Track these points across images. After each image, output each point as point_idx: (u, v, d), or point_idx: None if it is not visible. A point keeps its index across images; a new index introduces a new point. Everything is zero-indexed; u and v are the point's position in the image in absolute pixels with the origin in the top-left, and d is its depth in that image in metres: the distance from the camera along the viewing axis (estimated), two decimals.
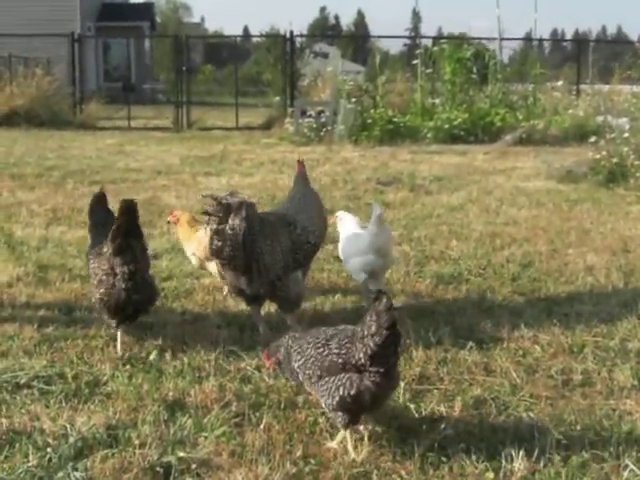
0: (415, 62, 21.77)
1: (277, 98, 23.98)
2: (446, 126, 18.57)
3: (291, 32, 24.26)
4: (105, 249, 4.38)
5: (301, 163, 5.03)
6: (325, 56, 31.81)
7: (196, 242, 5.49)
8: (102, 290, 4.35)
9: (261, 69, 42.10)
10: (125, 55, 45.12)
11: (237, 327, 4.72)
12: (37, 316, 4.93)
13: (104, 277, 4.35)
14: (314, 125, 18.82)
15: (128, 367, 4.12)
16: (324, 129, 18.65)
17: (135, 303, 4.36)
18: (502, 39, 23.58)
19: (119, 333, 4.44)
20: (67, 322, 4.82)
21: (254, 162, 14.40)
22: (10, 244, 6.77)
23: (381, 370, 3.14)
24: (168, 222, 6.07)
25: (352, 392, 3.16)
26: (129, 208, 4.26)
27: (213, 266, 5.28)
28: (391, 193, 10.51)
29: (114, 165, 13.57)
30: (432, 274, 6.13)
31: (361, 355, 3.14)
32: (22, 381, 3.86)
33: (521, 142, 17.68)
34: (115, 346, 4.39)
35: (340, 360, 3.20)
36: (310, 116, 19.27)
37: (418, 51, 21.67)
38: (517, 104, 20.55)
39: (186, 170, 12.93)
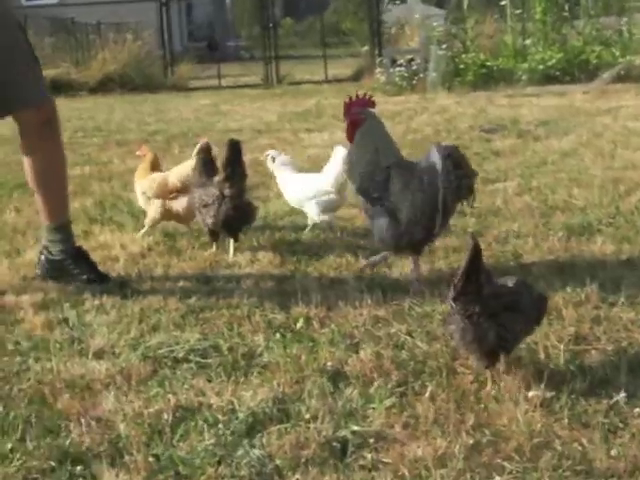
0: (503, 3, 21.37)
1: (365, 48, 23.75)
2: (540, 67, 18.16)
3: None
4: (208, 182, 5.59)
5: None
6: (404, 1, 31.41)
7: (149, 181, 6.09)
8: (212, 212, 5.46)
9: (341, 18, 41.73)
10: (207, 14, 45.22)
11: (379, 290, 4.64)
12: (177, 287, 4.93)
13: (214, 201, 5.44)
14: (406, 74, 18.58)
15: (279, 336, 4.07)
16: (416, 77, 18.43)
17: (240, 219, 5.52)
18: None
19: (231, 242, 5.60)
20: (208, 292, 4.80)
21: None
22: (133, 213, 6.80)
23: None
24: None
25: None
26: (235, 145, 5.53)
27: (156, 206, 6.04)
28: (498, 141, 10.32)
29: (214, 126, 13.59)
30: (561, 226, 5.99)
31: None
32: (180, 355, 3.86)
33: (620, 79, 17.21)
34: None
35: None
36: (401, 65, 19.01)
37: None
38: (611, 39, 19.97)
39: (286, 127, 12.89)
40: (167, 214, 6.07)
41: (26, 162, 5.05)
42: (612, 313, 4.24)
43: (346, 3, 47.87)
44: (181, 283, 5.03)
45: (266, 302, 4.56)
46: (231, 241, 5.59)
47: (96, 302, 4.71)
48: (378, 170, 4.78)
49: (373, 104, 5.08)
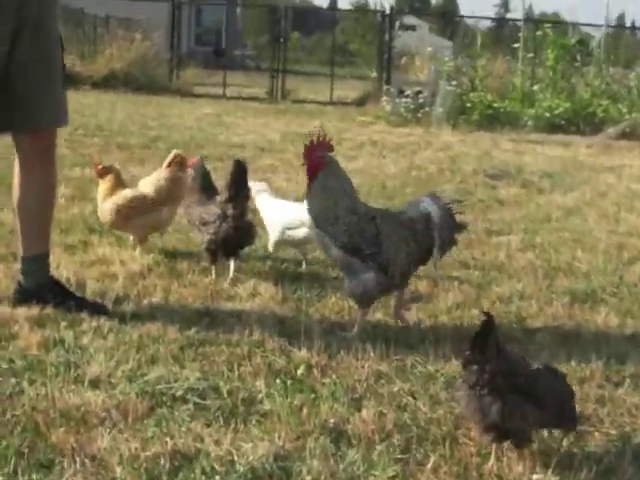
0: (516, 45, 21.45)
1: (374, 74, 23.79)
2: (547, 114, 18.19)
3: (392, 8, 24.02)
4: (210, 200, 5.58)
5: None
6: (413, 29, 31.52)
7: (125, 199, 6.07)
8: (212, 230, 5.44)
9: (349, 38, 41.78)
10: (216, 20, 45.16)
11: (382, 341, 4.56)
12: (177, 315, 4.82)
13: (215, 219, 5.44)
14: (412, 106, 18.58)
15: (279, 383, 3.98)
16: (422, 110, 18.41)
17: (240, 239, 5.53)
18: (609, 26, 23.08)
19: (231, 263, 5.63)
20: (208, 324, 4.69)
21: (354, 143, 14.27)
22: None
23: None
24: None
25: None
26: (241, 165, 5.52)
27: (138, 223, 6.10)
28: (502, 189, 10.29)
29: (216, 138, 13.54)
30: (564, 290, 5.92)
31: None
32: (178, 393, 3.75)
33: (625, 136, 17.23)
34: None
35: None
36: (408, 96, 19.01)
37: (520, 34, 21.30)
38: (619, 94, 20.00)
39: (289, 149, 12.79)
40: (150, 228, 6.15)
41: (16, 186, 4.85)
42: (616, 394, 4.16)
43: (355, 24, 47.93)
44: (180, 311, 4.92)
45: (267, 342, 4.47)
46: (231, 262, 5.62)
47: (93, 324, 4.59)
48: (364, 223, 4.69)
49: (332, 149, 4.96)
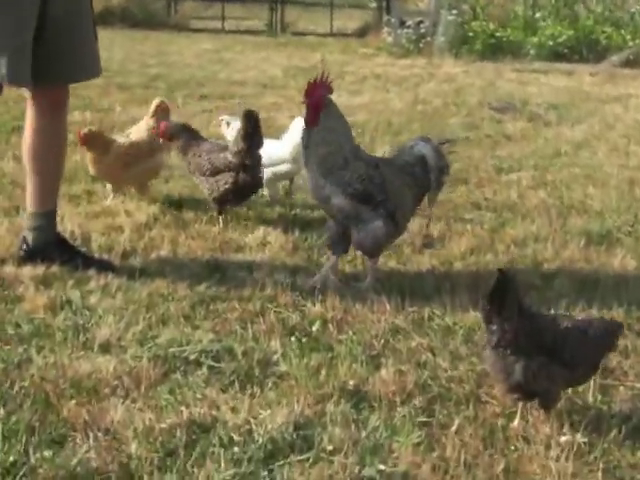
0: None
1: (373, 4, 23.38)
2: (550, 43, 17.83)
3: None
4: (219, 150, 5.61)
5: None
6: None
7: (129, 147, 6.01)
8: (229, 180, 5.43)
9: None
10: None
11: (397, 294, 4.43)
12: (186, 270, 4.70)
13: (232, 169, 5.44)
14: (413, 36, 18.24)
15: (295, 341, 3.87)
16: (423, 40, 18.09)
17: (255, 189, 5.62)
18: None
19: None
20: (218, 280, 4.57)
21: (357, 76, 14.02)
22: None
23: None
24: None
25: None
26: (253, 115, 5.52)
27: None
28: (509, 123, 10.08)
29: (216, 76, 13.30)
30: (579, 230, 5.79)
31: None
32: (191, 357, 3.64)
33: (628, 64, 16.92)
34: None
35: None
36: (409, 26, 18.65)
37: None
38: (622, 21, 19.62)
39: (291, 84, 12.57)
40: (149, 175, 6.13)
41: (30, 139, 4.70)
42: (639, 344, 4.05)
43: None
44: (189, 265, 4.81)
45: (280, 297, 4.35)
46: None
47: (101, 282, 4.47)
48: (370, 169, 4.52)
49: (332, 90, 4.71)
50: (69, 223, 5.34)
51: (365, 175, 4.47)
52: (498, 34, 18.23)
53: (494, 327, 3.17)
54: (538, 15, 19.41)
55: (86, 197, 6.04)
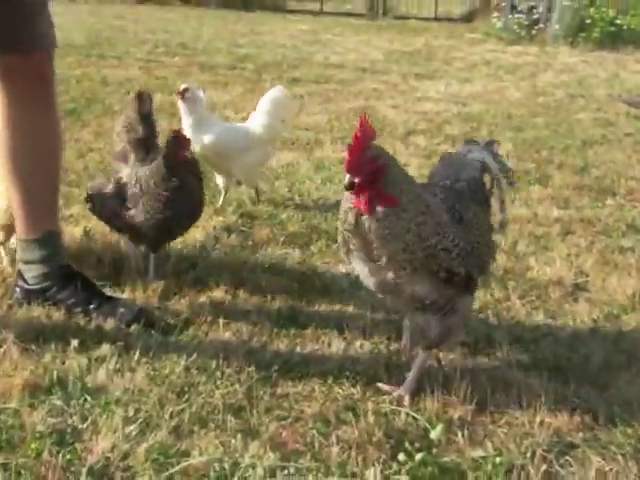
0: None
1: None
2: None
3: None
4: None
5: None
6: None
7: None
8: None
9: None
10: None
11: (556, 373, 3.02)
12: (247, 325, 3.34)
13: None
14: (525, 22, 16.77)
15: (402, 460, 2.48)
16: (536, 27, 16.61)
17: None
18: None
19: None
20: (295, 342, 3.19)
21: (466, 63, 12.66)
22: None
23: None
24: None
25: None
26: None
27: None
28: None
29: (312, 58, 11.98)
30: None
31: None
32: None
33: None
34: None
35: None
36: (521, 11, 17.19)
37: None
38: None
39: (393, 69, 11.26)
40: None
41: (8, 132, 3.35)
42: None
43: None
44: (258, 318, 3.40)
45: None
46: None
47: (121, 341, 3.07)
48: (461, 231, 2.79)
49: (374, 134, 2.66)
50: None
51: (461, 249, 2.74)
52: (618, 21, 16.63)
53: None
54: None
55: None
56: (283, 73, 10.10)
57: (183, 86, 4.75)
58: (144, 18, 15.91)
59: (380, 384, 2.87)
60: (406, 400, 2.80)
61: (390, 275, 2.63)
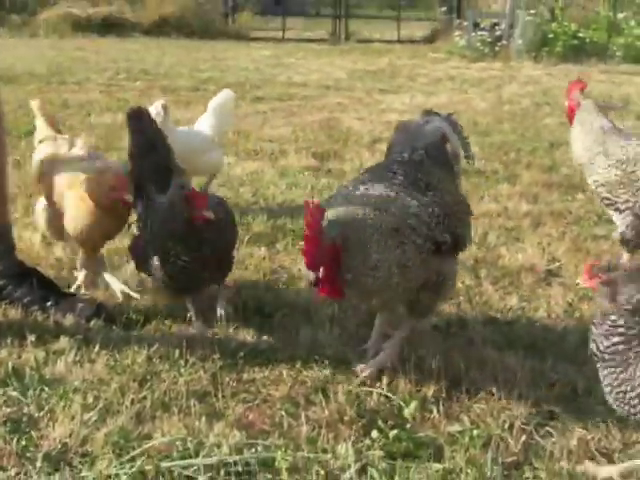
0: None
1: (443, 8, 21.98)
2: (638, 44, 16.33)
3: None
4: None
5: None
6: None
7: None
8: None
9: None
10: None
11: (531, 350, 2.93)
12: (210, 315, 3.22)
13: None
14: (488, 39, 16.82)
15: (376, 437, 2.38)
16: (499, 43, 16.67)
17: None
18: None
19: None
20: (261, 330, 3.09)
21: (430, 78, 12.65)
22: None
23: None
24: None
25: None
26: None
27: None
28: (616, 121, 8.49)
29: (275, 79, 11.90)
30: None
31: None
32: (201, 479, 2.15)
33: None
34: None
35: None
36: (483, 28, 17.26)
37: None
38: None
39: (357, 86, 11.22)
40: None
41: None
42: None
43: None
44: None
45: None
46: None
47: (80, 335, 2.94)
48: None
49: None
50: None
51: (437, 215, 2.69)
52: (581, 35, 16.74)
53: None
54: (621, 16, 17.91)
55: None
56: (246, 93, 9.99)
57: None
58: (105, 49, 15.79)
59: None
60: (389, 363, 2.72)
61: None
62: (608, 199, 3.75)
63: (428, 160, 2.82)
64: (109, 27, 19.60)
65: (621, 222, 3.72)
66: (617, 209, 3.74)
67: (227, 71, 12.78)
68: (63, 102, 8.64)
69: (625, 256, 3.77)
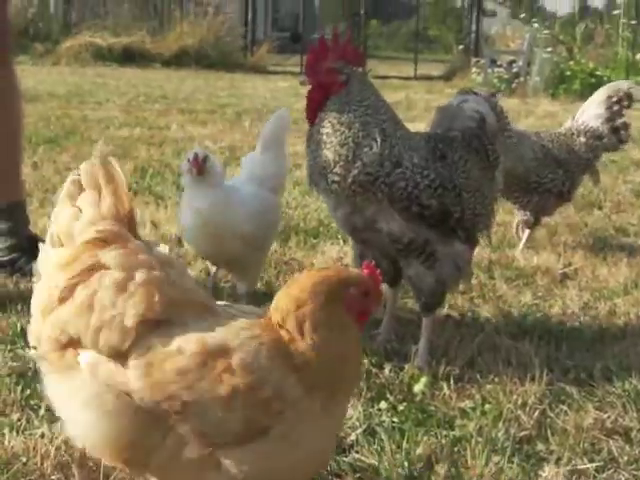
0: (616, 12, 19.71)
1: (460, 47, 22.10)
2: None
3: None
4: None
5: None
6: (493, 14, 30.03)
7: None
8: None
9: (429, 24, 40.74)
10: (293, 5, 43.90)
11: (546, 339, 2.88)
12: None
13: None
14: (505, 75, 16.86)
15: (385, 408, 2.33)
16: (516, 80, 16.70)
17: None
18: None
19: None
20: None
21: None
22: (179, 185, 4.98)
23: None
24: None
25: None
26: None
27: None
28: (635, 150, 8.50)
29: (292, 106, 11.85)
30: None
31: None
32: None
33: None
34: None
35: None
36: (500, 66, 17.31)
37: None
38: None
39: None
40: None
41: None
42: None
43: (435, 9, 47.06)
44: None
45: None
46: None
47: None
48: (440, 167, 2.76)
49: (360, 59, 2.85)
50: None
51: (436, 178, 2.69)
52: (598, 73, 16.77)
53: None
54: (639, 57, 17.99)
55: None
56: (262, 116, 10.02)
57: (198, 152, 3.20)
58: (126, 77, 15.89)
59: None
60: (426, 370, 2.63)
61: (367, 213, 2.55)
62: None
63: (461, 141, 2.79)
64: (130, 57, 19.72)
65: None
66: None
67: (244, 98, 12.83)
68: (83, 117, 8.66)
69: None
